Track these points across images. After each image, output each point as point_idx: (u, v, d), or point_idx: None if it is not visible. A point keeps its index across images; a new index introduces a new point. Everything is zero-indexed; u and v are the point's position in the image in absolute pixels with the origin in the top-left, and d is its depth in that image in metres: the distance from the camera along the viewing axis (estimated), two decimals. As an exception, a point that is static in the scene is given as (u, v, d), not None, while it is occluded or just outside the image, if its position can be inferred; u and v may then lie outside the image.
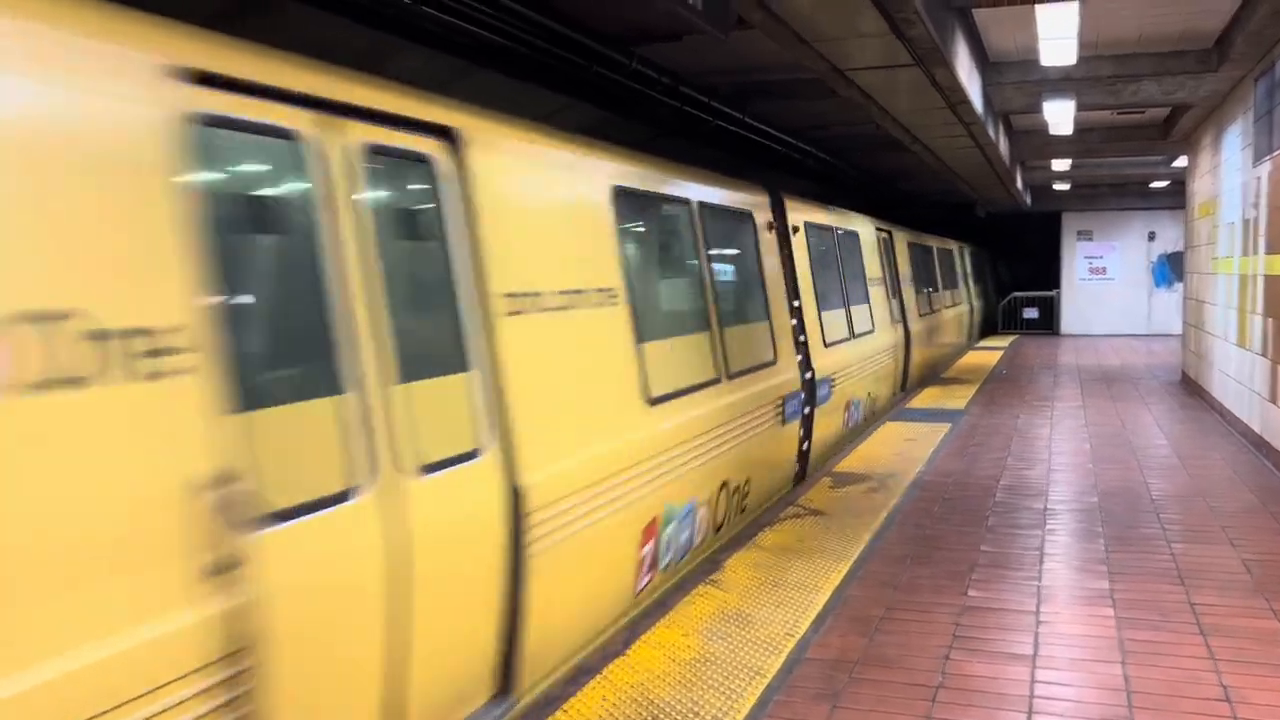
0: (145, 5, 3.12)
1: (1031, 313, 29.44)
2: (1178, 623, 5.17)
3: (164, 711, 2.67)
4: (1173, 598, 5.54)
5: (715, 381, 6.95)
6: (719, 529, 6.97)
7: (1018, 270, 30.11)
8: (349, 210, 3.67)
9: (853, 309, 11.83)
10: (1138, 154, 17.93)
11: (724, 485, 6.95)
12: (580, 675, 4.59)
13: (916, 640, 4.98)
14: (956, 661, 4.71)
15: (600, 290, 5.46)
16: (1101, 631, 5.06)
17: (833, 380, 10.13)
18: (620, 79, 8.01)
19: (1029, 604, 5.47)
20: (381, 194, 3.95)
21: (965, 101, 10.05)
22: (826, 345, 10.17)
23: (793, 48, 7.65)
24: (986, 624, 5.19)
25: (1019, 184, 20.95)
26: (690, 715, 4.17)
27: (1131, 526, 7.03)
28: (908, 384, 15.44)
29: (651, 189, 6.59)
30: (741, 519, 7.44)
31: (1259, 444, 9.52)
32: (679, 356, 6.52)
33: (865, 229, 13.39)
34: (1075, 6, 8.04)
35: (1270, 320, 9.13)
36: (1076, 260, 28.19)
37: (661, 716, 4.16)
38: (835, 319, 10.87)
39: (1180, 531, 6.88)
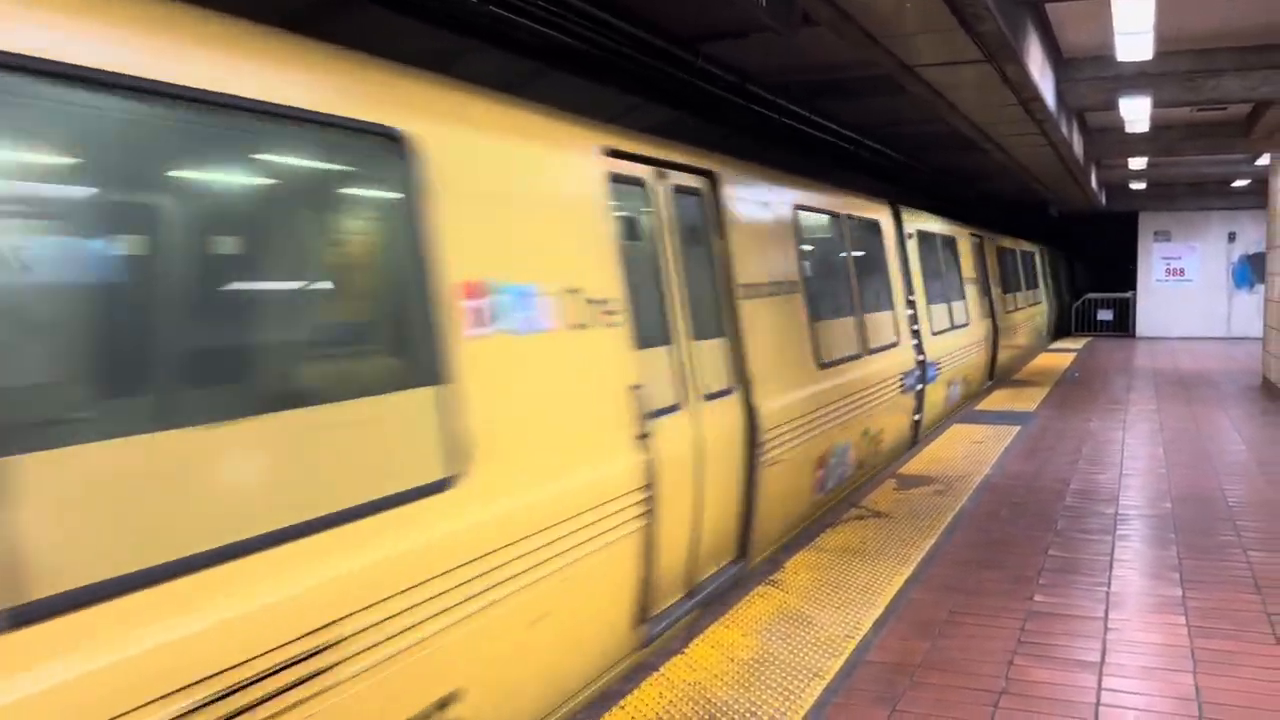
0: (221, 5, 3.20)
1: (1106, 315, 28.83)
2: (1253, 632, 5.03)
3: (627, 507, 4.79)
4: (1248, 607, 5.39)
5: (859, 356, 9.00)
6: (860, 467, 8.87)
7: (1092, 271, 29.48)
8: (670, 228, 5.81)
9: (953, 304, 13.81)
10: (1218, 152, 17.43)
11: (865, 433, 8.90)
12: (638, 672, 4.60)
13: (980, 645, 4.91)
14: (1021, 667, 4.63)
15: (788, 283, 7.49)
16: (1172, 640, 4.94)
17: (939, 364, 12.12)
18: (688, 78, 8.02)
19: (1097, 610, 5.36)
20: (680, 216, 5.98)
21: (1037, 99, 9.86)
22: (934, 334, 12.15)
23: (859, 44, 7.58)
24: (1053, 630, 5.09)
25: (1093, 183, 20.51)
26: (748, 715, 4.16)
27: (1206, 533, 6.85)
28: (995, 373, 17.08)
29: (818, 205, 8.77)
30: (873, 464, 9.32)
31: (1343, 451, 9.22)
32: (835, 334, 8.53)
33: (962, 234, 15.54)
34: None
35: (1356, 323, 8.83)
36: (1153, 261, 27.51)
37: (719, 716, 4.16)
38: (940, 312, 12.86)
39: (1257, 539, 6.69)
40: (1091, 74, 10.76)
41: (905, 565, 6.18)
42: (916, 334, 11.31)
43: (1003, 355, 17.96)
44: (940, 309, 12.94)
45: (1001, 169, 17.17)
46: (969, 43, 7.61)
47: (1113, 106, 12.49)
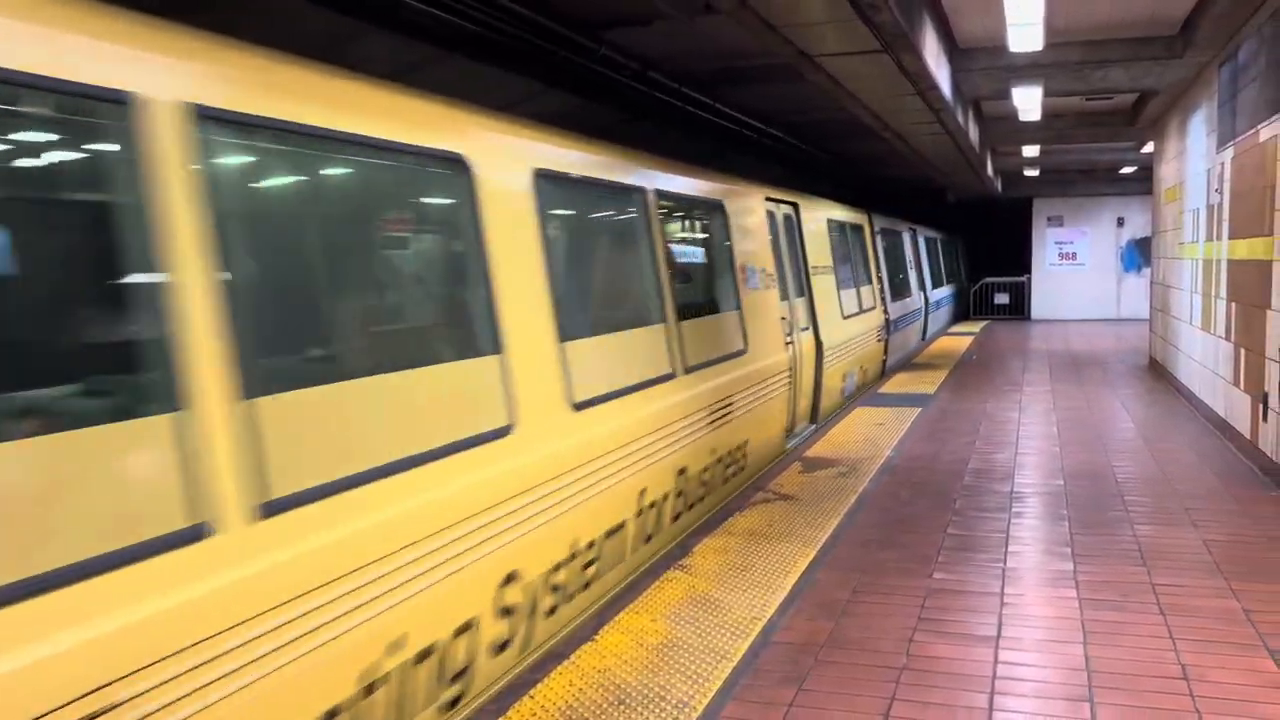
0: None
1: (1003, 298, 29.64)
2: (1139, 603, 5.24)
3: (779, 382, 9.52)
4: (1135, 579, 5.61)
5: (857, 314, 13.74)
6: (860, 386, 13.76)
7: (989, 256, 30.24)
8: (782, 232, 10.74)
9: (903, 281, 19.05)
10: (1106, 140, 18.05)
11: (860, 363, 13.74)
12: (547, 661, 4.60)
13: (882, 623, 5.02)
14: (921, 643, 4.75)
15: (827, 267, 12.51)
16: (1064, 612, 5.12)
17: (895, 321, 16.81)
18: (589, 64, 7.99)
19: (994, 586, 5.53)
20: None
21: (934, 88, 10.08)
22: (890, 302, 16.68)
23: (760, 33, 7.65)
24: (951, 606, 5.23)
25: (989, 170, 21.06)
26: (657, 699, 4.19)
27: (1096, 509, 7.11)
28: (926, 335, 21.31)
29: (833, 216, 13.54)
30: (865, 385, 14.18)
31: (1222, 427, 9.64)
32: (847, 298, 13.40)
33: (904, 228, 20.00)
34: (1042, -8, 8.07)
35: (1234, 305, 9.24)
36: (1047, 246, 28.39)
37: (628, 701, 4.18)
38: (896, 287, 17.92)
39: (1144, 514, 6.97)
40: (986, 64, 11.03)
41: (810, 547, 6.29)
42: (883, 301, 15.99)
43: (933, 324, 21.17)
44: (895, 284, 17.88)
45: (900, 156, 17.50)
46: (867, 33, 7.73)
47: (1006, 96, 12.83)
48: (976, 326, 25.66)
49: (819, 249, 12.29)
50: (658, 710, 4.09)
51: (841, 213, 14.41)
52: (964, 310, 29.74)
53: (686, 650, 4.70)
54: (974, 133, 15.13)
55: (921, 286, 21.45)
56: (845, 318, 12.97)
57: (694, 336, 7.54)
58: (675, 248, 8.08)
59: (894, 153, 16.89)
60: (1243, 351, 8.82)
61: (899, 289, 18.40)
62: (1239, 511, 6.97)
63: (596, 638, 4.85)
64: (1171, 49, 10.50)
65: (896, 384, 14.03)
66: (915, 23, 8.25)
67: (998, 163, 22.59)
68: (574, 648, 4.73)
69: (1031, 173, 25.22)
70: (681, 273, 8.09)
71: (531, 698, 4.22)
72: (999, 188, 25.78)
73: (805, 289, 11.31)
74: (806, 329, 10.97)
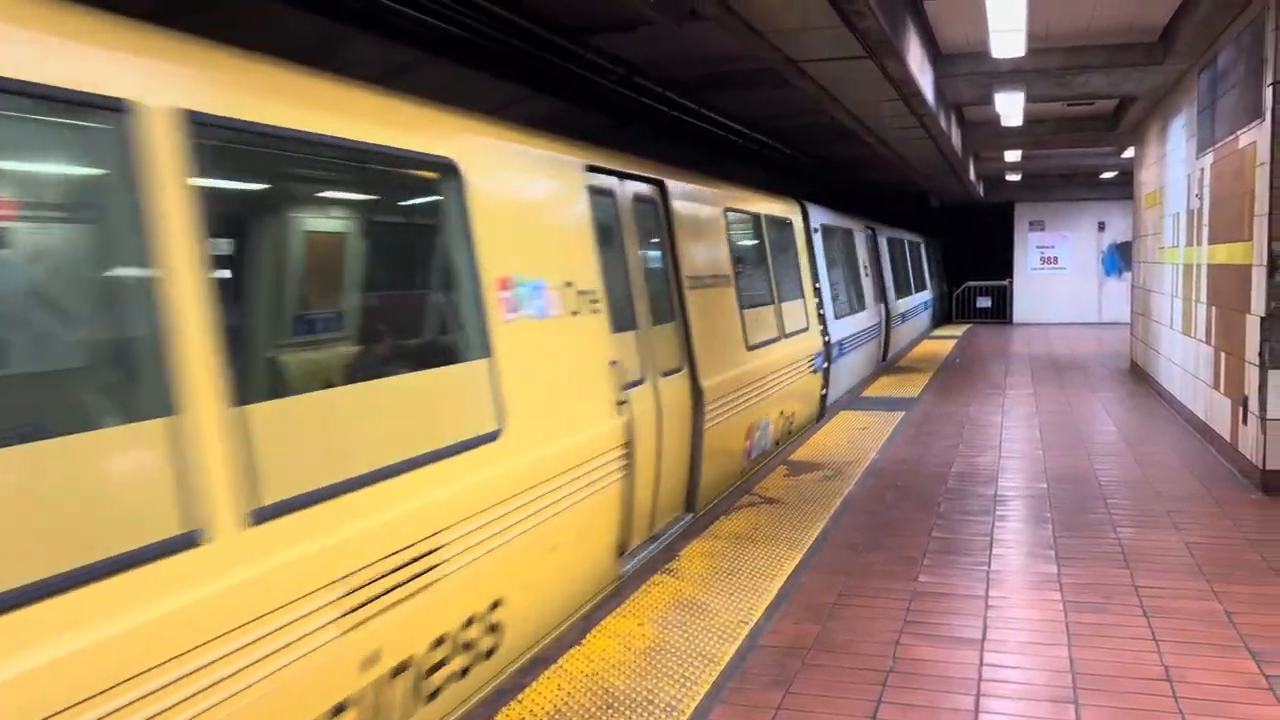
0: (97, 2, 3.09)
1: (985, 302, 29.78)
2: (1122, 605, 5.28)
3: (609, 462, 5.89)
4: (1118, 581, 5.66)
5: (774, 340, 10.18)
6: (786, 435, 10.53)
7: (972, 260, 30.38)
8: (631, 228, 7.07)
9: (855, 292, 15.58)
10: (1087, 145, 18.19)
11: (781, 407, 10.29)
12: (535, 666, 4.61)
13: (868, 625, 5.05)
14: (907, 646, 4.78)
15: (720, 278, 8.78)
16: (1049, 615, 5.16)
17: (841, 343, 13.58)
18: (576, 69, 8.01)
19: (978, 589, 5.56)
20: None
21: (917, 94, 10.14)
22: (835, 320, 13.39)
23: (745, 38, 7.68)
24: (936, 609, 5.27)
25: (972, 175, 21.18)
26: (645, 703, 4.21)
27: (1079, 512, 7.17)
28: (887, 355, 18.26)
29: (739, 206, 9.89)
30: (796, 431, 10.97)
31: (1203, 430, 9.73)
32: (759, 319, 9.81)
33: (858, 227, 16.55)
34: (1024, -1, 8.14)
35: (1214, 309, 9.32)
36: (1029, 250, 28.57)
37: (616, 705, 4.19)
38: (845, 299, 14.58)
39: (1126, 516, 7.02)
40: (968, 70, 11.11)
41: (796, 550, 6.31)
42: (822, 320, 12.54)
43: (897, 336, 18.56)
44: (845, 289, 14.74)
45: (884, 161, 17.60)
46: (851, 39, 7.78)
47: (989, 101, 12.92)
48: (959, 330, 25.79)
49: (707, 251, 8.49)
50: (646, 714, 4.11)
51: (757, 202, 10.66)
52: (944, 317, 29.84)
53: (674, 654, 4.72)
54: (956, 137, 15.22)
55: (882, 297, 18.21)
56: (754, 347, 9.30)
57: (296, 430, 3.72)
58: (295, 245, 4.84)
59: (877, 157, 16.98)
60: (1223, 355, 8.91)
61: (849, 302, 14.94)
62: (1220, 514, 7.04)
63: (584, 642, 4.86)
64: (1152, 55, 10.60)
65: (880, 388, 14.09)
66: (899, 29, 8.31)
67: (980, 167, 22.73)
68: (561, 652, 4.74)
69: (1013, 177, 25.38)
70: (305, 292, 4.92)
71: (520, 702, 4.23)
72: (981, 192, 25.92)
73: (679, 311, 7.68)
74: (677, 371, 7.41)
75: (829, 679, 4.44)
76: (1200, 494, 7.61)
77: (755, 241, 10.50)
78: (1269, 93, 7.47)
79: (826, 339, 12.45)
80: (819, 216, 13.50)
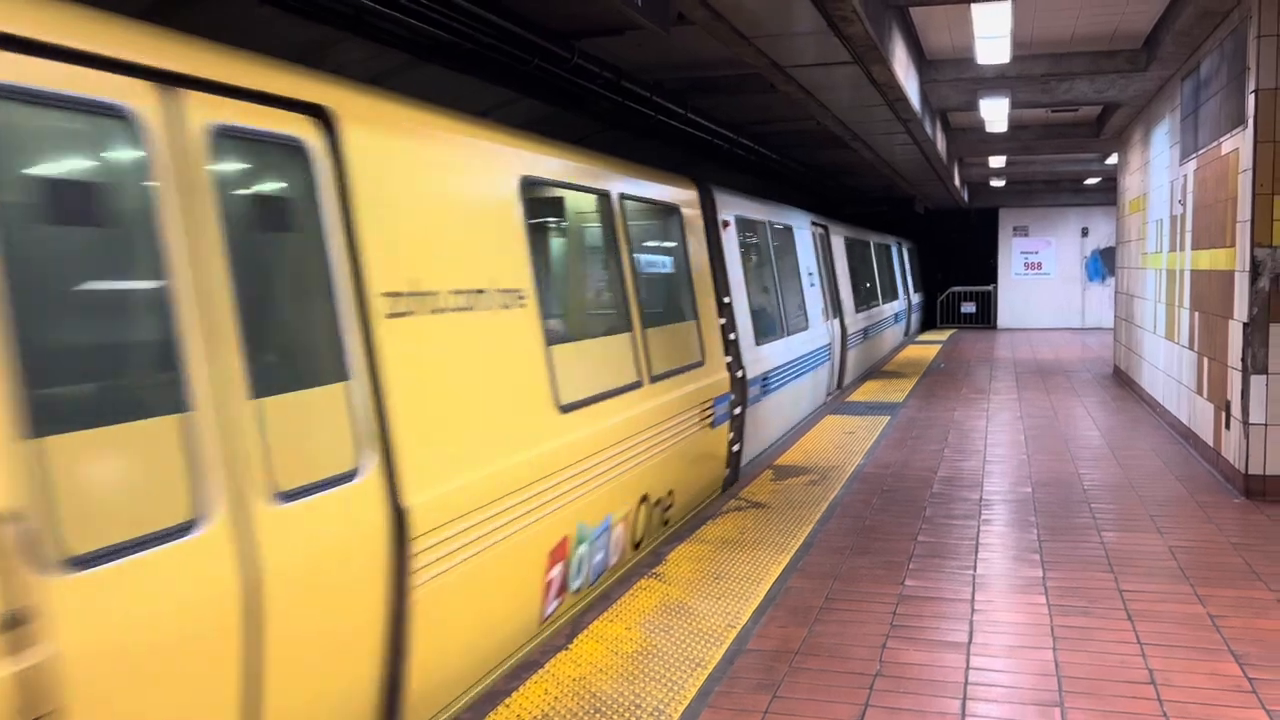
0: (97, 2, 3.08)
1: (969, 307, 29.90)
2: (1107, 609, 5.31)
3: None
4: (1102, 585, 5.69)
5: (618, 391, 6.48)
6: (662, 526, 7.25)
7: (956, 265, 30.49)
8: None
9: (794, 308, 11.92)
10: (1071, 151, 18.32)
11: (644, 490, 6.78)
12: (522, 670, 4.60)
13: (855, 630, 5.06)
14: (894, 650, 4.79)
15: (513, 294, 5.62)
16: (1034, 618, 5.18)
17: (764, 379, 9.89)
18: (562, 74, 8.01)
19: (964, 593, 5.58)
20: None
21: (903, 99, 10.19)
22: (757, 347, 9.88)
23: (733, 43, 7.71)
24: (923, 613, 5.28)
25: (956, 181, 21.28)
26: (632, 707, 4.20)
27: (1064, 516, 7.20)
28: (842, 382, 14.91)
29: (564, 177, 6.28)
30: (680, 520, 7.61)
31: (1186, 435, 9.79)
32: (594, 357, 6.56)
33: (802, 223, 13.21)
34: (1008, 6, 8.19)
35: (1196, 314, 9.38)
36: (1013, 255, 28.71)
37: (604, 709, 4.19)
38: (774, 318, 10.97)
39: (1110, 520, 7.06)
40: (953, 75, 11.17)
41: (783, 554, 6.32)
42: (734, 348, 9.00)
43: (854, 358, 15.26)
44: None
45: (869, 166, 17.67)
46: (838, 44, 7.81)
47: (974, 107, 12.98)
48: (944, 335, 25.89)
49: (457, 248, 4.80)
50: (633, 718, 4.10)
51: (605, 175, 6.93)
52: (928, 323, 29.90)
53: (661, 658, 4.71)
54: (941, 143, 15.29)
55: (835, 312, 14.68)
56: (576, 405, 5.79)
57: None
58: None
59: (863, 162, 17.05)
60: (1206, 360, 8.97)
61: (781, 320, 11.21)
62: (1203, 518, 7.08)
63: (571, 646, 4.85)
64: (1135, 62, 10.67)
65: (865, 392, 14.12)
66: (885, 35, 8.35)
67: (965, 173, 22.84)
68: (549, 656, 4.73)
69: (998, 183, 25.51)
70: None
71: (507, 706, 4.22)
72: (966, 198, 26.05)
73: (355, 356, 4.00)
74: (338, 481, 3.77)
75: (816, 683, 4.44)
76: (1184, 498, 7.66)
77: (601, 235, 7.03)
78: (1251, 100, 7.53)
79: (740, 374, 8.92)
80: (733, 206, 9.88)
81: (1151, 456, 9.26)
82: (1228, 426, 8.13)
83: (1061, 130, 16.27)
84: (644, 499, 6.68)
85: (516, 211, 5.40)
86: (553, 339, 5.65)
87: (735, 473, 8.97)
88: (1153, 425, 10.94)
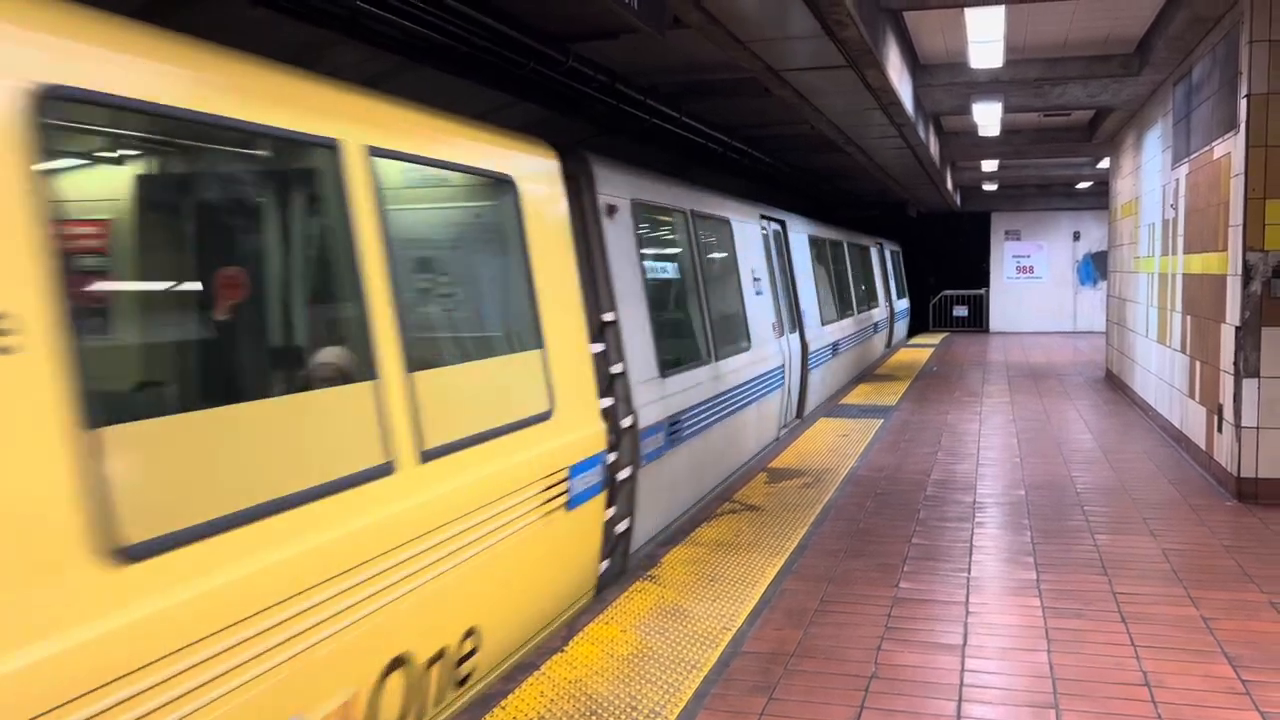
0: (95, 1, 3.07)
1: (961, 311, 29.96)
2: (1100, 611, 5.33)
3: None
4: (1096, 587, 5.71)
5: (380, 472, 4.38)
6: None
7: (949, 269, 30.52)
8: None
9: (730, 322, 9.85)
10: (1063, 155, 18.38)
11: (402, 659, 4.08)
12: (518, 672, 4.60)
13: (850, 632, 5.07)
14: (889, 652, 4.80)
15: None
16: (1028, 621, 5.20)
17: (674, 424, 7.37)
18: (557, 77, 8.02)
19: (959, 595, 5.60)
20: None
21: (897, 103, 10.22)
22: (678, 372, 7.86)
23: (728, 47, 7.72)
24: (917, 615, 5.30)
25: (949, 184, 21.33)
26: (628, 709, 4.21)
27: (1057, 519, 7.22)
28: (804, 410, 12.67)
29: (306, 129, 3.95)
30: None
31: (1178, 438, 9.82)
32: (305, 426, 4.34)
33: (750, 220, 11.11)
34: (1002, 10, 8.23)
35: (1188, 318, 9.42)
36: (1005, 259, 28.78)
37: (600, 711, 4.20)
38: (701, 338, 8.86)
39: (1103, 523, 7.08)
40: (947, 80, 11.20)
41: (778, 557, 6.33)
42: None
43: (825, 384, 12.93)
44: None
45: (863, 170, 17.70)
46: (833, 49, 7.84)
47: (966, 111, 13.03)
48: (936, 339, 25.94)
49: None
50: (630, 720, 4.11)
51: (334, 112, 3.91)
52: (920, 326, 29.94)
53: (657, 660, 4.72)
54: (934, 147, 15.33)
55: (794, 325, 12.49)
56: (129, 554, 2.66)
57: None
58: None
59: (856, 166, 17.08)
60: (1197, 364, 9.01)
61: (705, 341, 8.75)
62: (1196, 521, 7.11)
63: (566, 649, 4.86)
64: (1128, 67, 10.72)
65: (859, 395, 14.15)
66: (880, 39, 8.37)
67: (957, 177, 22.90)
68: (545, 658, 4.73)
69: (990, 187, 25.59)
70: None
71: (503, 708, 4.22)
72: (958, 202, 26.11)
73: None
74: None
75: (812, 685, 4.45)
76: (1176, 501, 7.69)
77: (304, 217, 4.81)
78: (1243, 105, 7.57)
79: (629, 421, 6.53)
80: (624, 187, 7.28)
81: (1144, 460, 9.29)
82: (1220, 430, 8.17)
83: (1054, 134, 16.32)
84: (398, 663, 3.90)
85: None
86: (105, 411, 2.73)
87: (621, 561, 6.50)
88: (1145, 428, 10.98)
